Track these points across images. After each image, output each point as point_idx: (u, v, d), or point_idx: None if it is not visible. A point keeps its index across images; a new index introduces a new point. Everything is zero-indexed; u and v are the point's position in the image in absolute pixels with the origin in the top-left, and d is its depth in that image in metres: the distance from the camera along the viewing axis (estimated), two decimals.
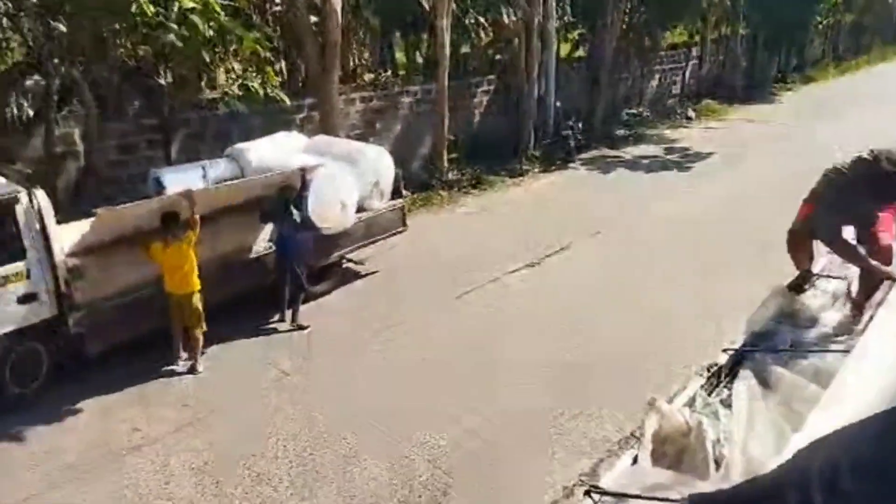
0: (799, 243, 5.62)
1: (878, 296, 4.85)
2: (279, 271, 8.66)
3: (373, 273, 10.30)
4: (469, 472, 6.01)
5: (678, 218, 12.53)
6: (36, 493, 5.87)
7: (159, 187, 9.04)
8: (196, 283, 7.53)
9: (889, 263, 5.14)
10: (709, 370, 4.23)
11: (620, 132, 20.02)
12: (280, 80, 13.44)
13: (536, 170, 16.35)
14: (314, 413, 6.88)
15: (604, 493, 3.11)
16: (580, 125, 18.24)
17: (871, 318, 4.08)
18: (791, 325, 4.98)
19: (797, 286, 5.67)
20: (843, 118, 20.08)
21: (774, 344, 4.50)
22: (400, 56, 18.92)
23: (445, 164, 15.23)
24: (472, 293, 9.61)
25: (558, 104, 18.24)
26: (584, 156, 17.61)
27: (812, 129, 19.11)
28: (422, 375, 7.55)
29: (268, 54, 12.19)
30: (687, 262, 10.45)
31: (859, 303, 5.04)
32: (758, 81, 27.64)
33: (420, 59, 18.28)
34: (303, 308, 8.86)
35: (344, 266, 10.10)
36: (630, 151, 18.35)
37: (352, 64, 15.31)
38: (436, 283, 9.87)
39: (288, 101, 12.23)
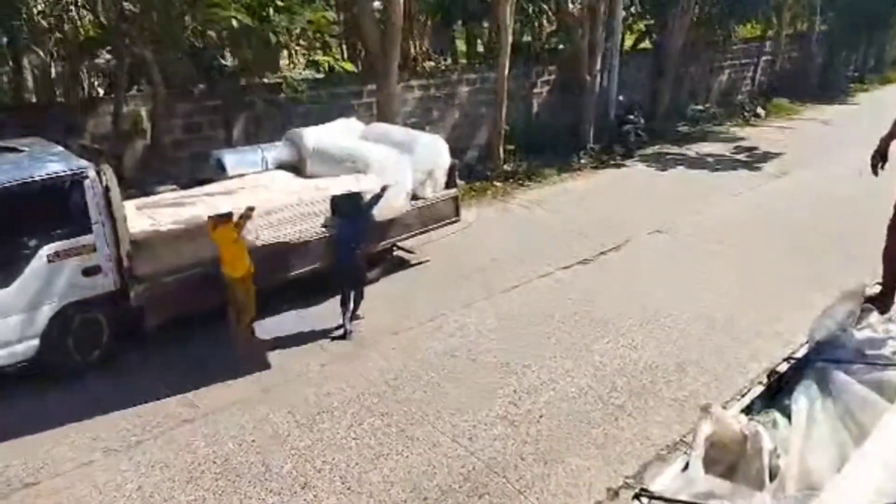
0: None
1: None
2: (341, 269, 8.27)
3: (423, 262, 10.31)
4: (509, 465, 5.96)
5: (740, 220, 12.14)
6: (89, 461, 6.09)
7: (220, 168, 9.24)
8: (244, 268, 7.53)
9: None
10: (769, 378, 4.07)
11: (685, 128, 19.50)
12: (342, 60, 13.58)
13: (595, 164, 16.05)
14: (359, 398, 6.94)
15: (653, 497, 3.01)
16: (642, 120, 17.83)
17: None
18: (857, 334, 4.74)
19: (879, 299, 5.26)
20: None
21: (838, 354, 4.29)
22: (460, 44, 18.83)
23: (502, 155, 15.10)
24: (521, 287, 9.51)
25: (621, 97, 17.87)
26: (645, 151, 17.21)
27: (887, 131, 18.21)
28: (466, 367, 7.52)
29: (332, 36, 12.33)
30: (748, 266, 10.10)
31: None
32: (833, 80, 26.51)
33: (480, 48, 18.16)
34: None
35: (394, 254, 10.13)
36: (694, 148, 17.85)
37: (412, 51, 15.30)
38: (485, 276, 9.81)
39: (355, 69, 12.23)
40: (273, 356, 7.73)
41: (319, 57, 11.78)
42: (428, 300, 9.09)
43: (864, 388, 3.72)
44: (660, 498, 2.90)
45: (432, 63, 16.20)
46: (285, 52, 12.70)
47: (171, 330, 7.65)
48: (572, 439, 6.31)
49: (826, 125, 20.74)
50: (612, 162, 16.26)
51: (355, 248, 8.13)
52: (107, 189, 7.14)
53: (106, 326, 7.50)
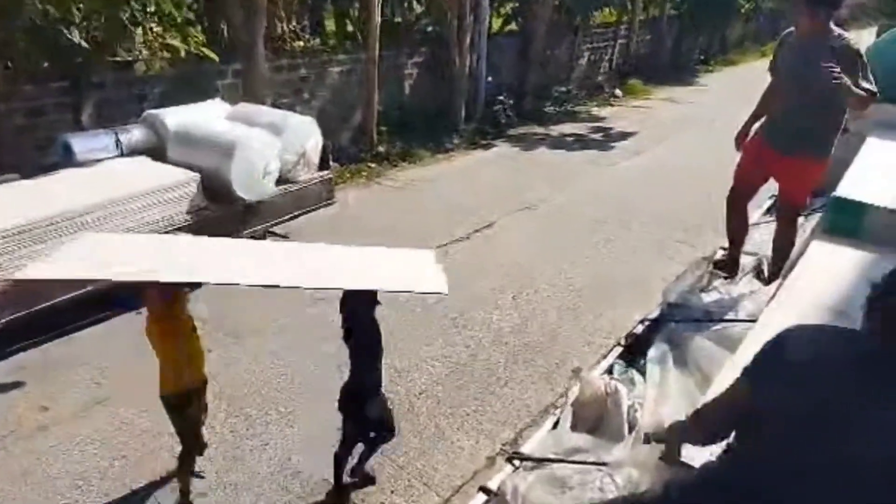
0: (740, 206, 5.76)
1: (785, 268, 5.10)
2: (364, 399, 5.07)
3: None
4: (390, 443, 6.02)
5: (601, 195, 12.84)
6: None
7: (68, 154, 8.58)
8: (176, 384, 4.89)
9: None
10: (626, 339, 4.37)
11: (550, 109, 20.22)
12: (202, 41, 12.89)
13: (467, 145, 16.35)
14: (246, 384, 6.75)
15: (524, 458, 3.18)
16: (510, 101, 18.34)
17: (776, 292, 4.31)
18: (704, 296, 5.20)
19: (724, 265, 5.80)
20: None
21: (688, 314, 4.69)
22: (329, 24, 18.48)
23: (375, 136, 15.04)
24: None
25: (489, 79, 18.24)
26: (513, 132, 17.73)
27: (730, 109, 19.77)
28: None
29: (187, 16, 11.69)
30: (608, 239, 10.76)
31: (775, 273, 5.29)
32: (682, 63, 28.42)
33: (350, 28, 17.91)
34: None
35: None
36: (558, 129, 18.59)
37: (279, 30, 14.83)
38: None
39: (217, 58, 11.72)
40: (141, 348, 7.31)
41: (176, 42, 11.07)
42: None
43: (710, 342, 4.09)
44: (529, 458, 3.07)
45: (301, 42, 15.79)
46: (140, 31, 11.89)
47: (23, 328, 7.08)
48: (451, 414, 6.47)
49: (676, 104, 22.23)
50: (482, 142, 16.62)
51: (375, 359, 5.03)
52: None
53: None
